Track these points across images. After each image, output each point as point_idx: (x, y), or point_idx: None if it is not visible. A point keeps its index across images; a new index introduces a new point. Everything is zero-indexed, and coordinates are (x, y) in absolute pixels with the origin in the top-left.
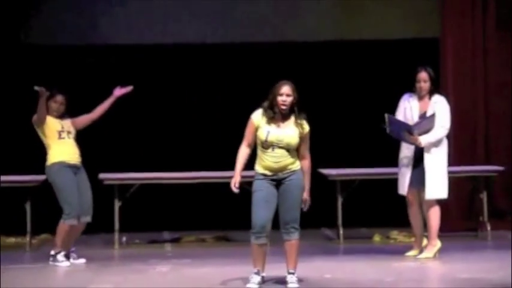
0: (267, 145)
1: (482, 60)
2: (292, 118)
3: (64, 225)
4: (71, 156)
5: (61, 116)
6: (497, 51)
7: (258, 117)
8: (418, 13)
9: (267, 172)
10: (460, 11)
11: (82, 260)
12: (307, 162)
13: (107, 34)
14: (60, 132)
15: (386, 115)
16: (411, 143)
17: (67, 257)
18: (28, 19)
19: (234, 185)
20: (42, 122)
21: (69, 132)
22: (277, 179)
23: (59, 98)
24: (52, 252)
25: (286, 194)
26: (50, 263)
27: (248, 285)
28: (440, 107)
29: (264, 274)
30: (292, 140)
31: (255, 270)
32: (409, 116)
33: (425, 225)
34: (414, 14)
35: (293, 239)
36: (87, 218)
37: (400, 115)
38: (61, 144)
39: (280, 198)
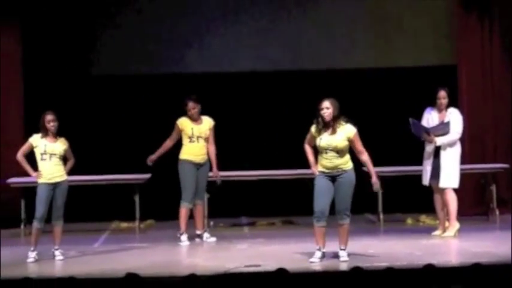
0: (321, 149)
1: (490, 79)
2: (337, 126)
3: (182, 208)
4: (195, 156)
5: (199, 115)
6: (502, 70)
7: (313, 129)
8: (437, 43)
9: (324, 170)
10: (471, 40)
11: (213, 239)
12: (365, 156)
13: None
14: (190, 137)
15: (410, 119)
16: (429, 142)
17: (200, 236)
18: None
19: (314, 173)
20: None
21: (199, 137)
22: (332, 176)
23: (195, 105)
24: (177, 235)
25: (340, 188)
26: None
27: (311, 260)
28: (454, 117)
29: (324, 250)
30: (339, 144)
31: (317, 247)
32: (430, 124)
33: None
34: (433, 44)
35: (345, 224)
36: (199, 201)
37: (423, 123)
38: (190, 147)
39: (335, 192)
